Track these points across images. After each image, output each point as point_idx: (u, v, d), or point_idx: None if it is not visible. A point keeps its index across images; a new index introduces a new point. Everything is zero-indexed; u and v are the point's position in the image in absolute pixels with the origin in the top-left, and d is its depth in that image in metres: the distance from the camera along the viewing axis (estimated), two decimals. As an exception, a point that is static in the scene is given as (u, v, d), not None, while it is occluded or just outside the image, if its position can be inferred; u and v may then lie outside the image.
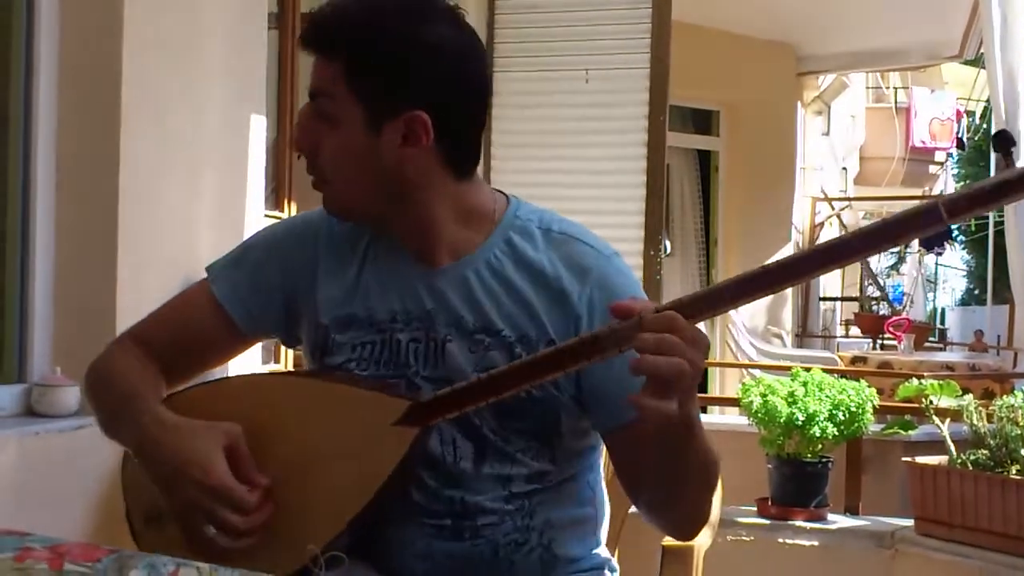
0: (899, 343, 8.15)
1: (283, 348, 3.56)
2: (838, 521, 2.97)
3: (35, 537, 1.07)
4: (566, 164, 4.21)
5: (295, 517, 1.31)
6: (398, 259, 1.42)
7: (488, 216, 1.41)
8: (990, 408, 2.78)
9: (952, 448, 2.74)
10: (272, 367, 3.42)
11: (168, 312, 1.55)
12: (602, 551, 1.53)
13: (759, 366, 5.46)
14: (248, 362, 2.73)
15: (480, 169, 1.48)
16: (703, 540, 1.75)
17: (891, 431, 3.11)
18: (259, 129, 3.00)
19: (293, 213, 3.61)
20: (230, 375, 1.65)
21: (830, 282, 13.26)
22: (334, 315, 1.42)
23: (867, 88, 15.06)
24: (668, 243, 7.55)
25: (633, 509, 2.14)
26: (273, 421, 1.35)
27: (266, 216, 3.16)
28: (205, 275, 1.51)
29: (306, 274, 1.45)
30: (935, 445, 2.90)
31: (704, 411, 4.58)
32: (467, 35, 1.37)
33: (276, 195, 3.57)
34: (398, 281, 1.41)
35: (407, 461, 1.31)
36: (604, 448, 1.50)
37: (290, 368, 3.46)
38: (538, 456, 1.39)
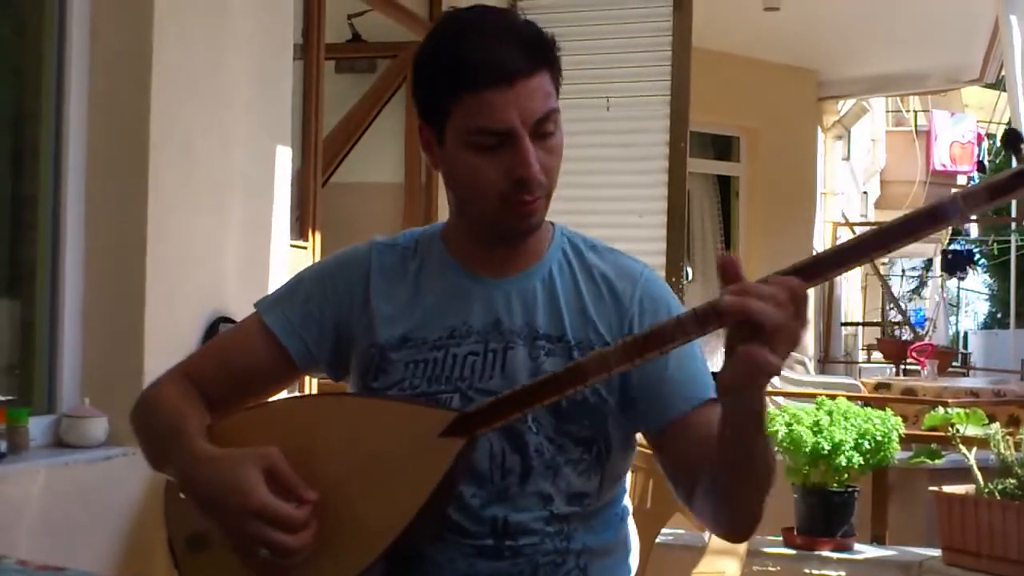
0: (923, 368, 8.09)
1: (307, 381, 3.57)
2: (864, 551, 2.95)
3: (71, 572, 1.08)
4: (587, 192, 4.22)
5: (346, 532, 1.31)
6: (455, 277, 1.46)
7: (545, 231, 1.49)
8: (1017, 437, 2.76)
9: (979, 477, 2.72)
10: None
11: (219, 345, 1.57)
12: (632, 583, 1.53)
13: (783, 393, 5.42)
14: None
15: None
16: (732, 571, 1.75)
17: (917, 460, 3.09)
18: (285, 159, 3.03)
19: (317, 243, 3.63)
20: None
21: (852, 307, 13.19)
22: (390, 336, 1.44)
23: (887, 112, 15.03)
24: (689, 270, 7.56)
25: (660, 539, 2.17)
26: (318, 440, 1.36)
27: (291, 246, 3.18)
28: (253, 309, 1.51)
29: (359, 302, 1.47)
30: (962, 473, 2.88)
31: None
32: None
33: (300, 224, 3.59)
34: (457, 298, 1.44)
35: (453, 472, 1.32)
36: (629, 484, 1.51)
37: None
38: (587, 471, 1.41)
